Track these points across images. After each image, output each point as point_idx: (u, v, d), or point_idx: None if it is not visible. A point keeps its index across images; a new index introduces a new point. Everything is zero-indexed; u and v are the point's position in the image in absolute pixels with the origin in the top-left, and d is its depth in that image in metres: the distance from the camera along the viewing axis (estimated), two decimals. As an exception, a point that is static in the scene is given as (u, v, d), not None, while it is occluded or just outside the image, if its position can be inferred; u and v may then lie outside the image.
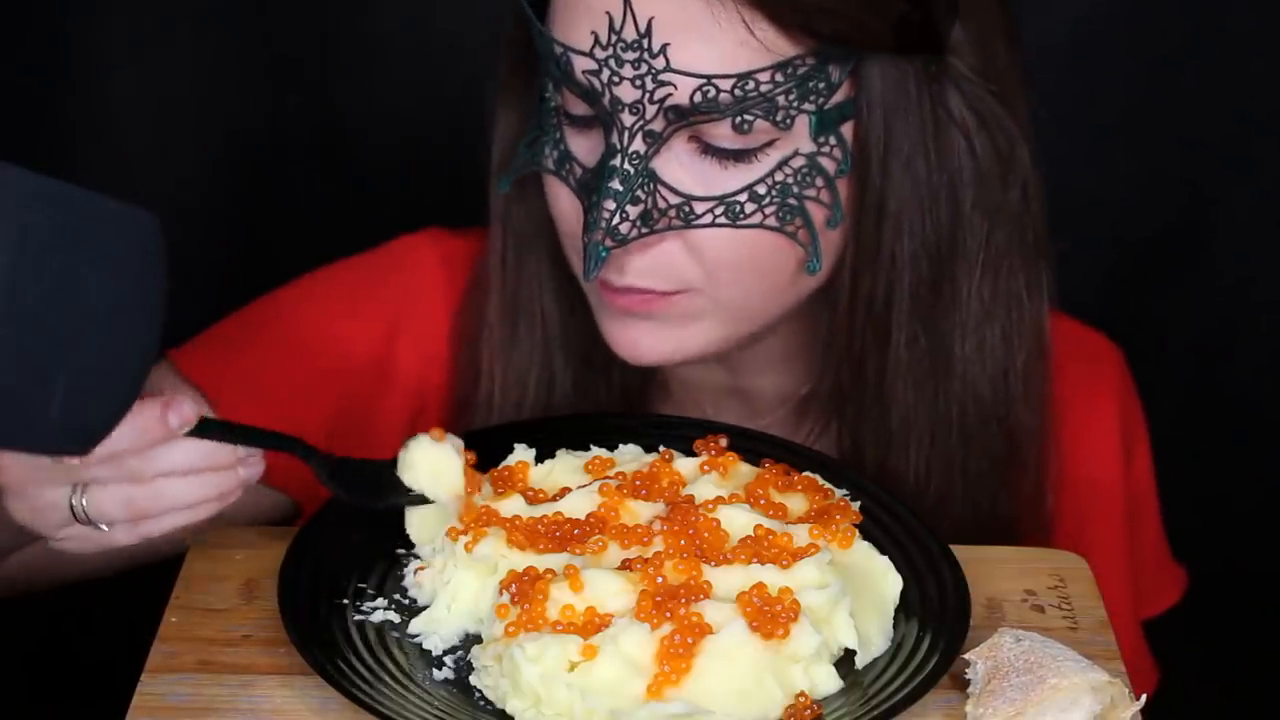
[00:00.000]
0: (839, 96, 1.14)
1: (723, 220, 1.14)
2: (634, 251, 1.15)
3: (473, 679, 1.02)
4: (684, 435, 1.17)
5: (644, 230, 1.13)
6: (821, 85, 1.13)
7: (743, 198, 1.14)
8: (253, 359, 1.30)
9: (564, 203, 1.19)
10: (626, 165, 1.12)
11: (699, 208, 1.14)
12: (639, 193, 1.13)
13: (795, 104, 1.12)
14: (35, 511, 1.00)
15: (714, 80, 1.10)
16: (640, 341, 1.20)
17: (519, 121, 1.24)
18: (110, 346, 0.91)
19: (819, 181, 1.15)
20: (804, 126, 1.13)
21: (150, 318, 0.93)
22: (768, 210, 1.14)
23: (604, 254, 1.13)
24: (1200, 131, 1.85)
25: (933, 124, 1.16)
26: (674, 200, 1.14)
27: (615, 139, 1.13)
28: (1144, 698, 1.00)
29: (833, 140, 1.14)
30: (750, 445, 1.17)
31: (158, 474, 0.98)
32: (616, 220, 1.12)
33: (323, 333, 1.32)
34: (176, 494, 1.00)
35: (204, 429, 0.99)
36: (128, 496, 0.99)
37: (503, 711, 0.99)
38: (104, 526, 1.00)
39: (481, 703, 1.00)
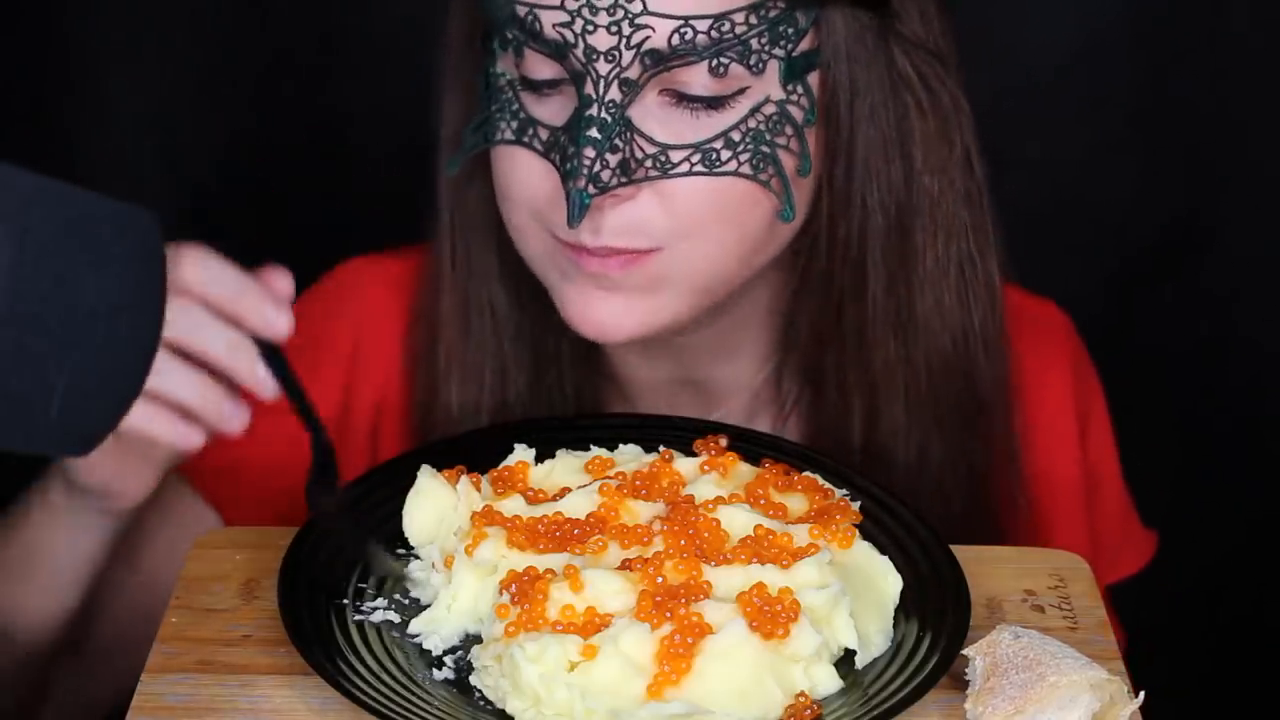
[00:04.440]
0: (805, 44, 1.16)
1: (700, 168, 1.15)
2: (609, 209, 1.15)
3: (473, 679, 1.02)
4: (684, 435, 1.17)
5: (623, 179, 1.14)
6: (790, 31, 1.15)
7: (718, 145, 1.15)
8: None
9: (524, 170, 1.18)
10: (604, 114, 1.13)
11: (675, 156, 1.15)
12: (617, 141, 1.13)
13: (767, 48, 1.15)
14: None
15: (691, 21, 1.12)
16: (606, 318, 1.19)
17: (465, 108, 1.24)
18: (110, 346, 0.91)
19: (788, 130, 1.17)
20: (774, 73, 1.16)
21: (150, 318, 0.93)
22: (742, 158, 1.15)
23: (587, 201, 1.13)
24: (1201, 137, 1.85)
25: (889, 81, 1.20)
26: (650, 150, 1.15)
27: (590, 89, 1.13)
28: (1142, 695, 1.00)
29: (800, 90, 1.17)
30: (750, 446, 1.18)
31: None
32: (598, 167, 1.13)
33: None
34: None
35: (270, 356, 1.06)
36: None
37: (503, 711, 0.99)
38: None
39: (481, 703, 1.00)
